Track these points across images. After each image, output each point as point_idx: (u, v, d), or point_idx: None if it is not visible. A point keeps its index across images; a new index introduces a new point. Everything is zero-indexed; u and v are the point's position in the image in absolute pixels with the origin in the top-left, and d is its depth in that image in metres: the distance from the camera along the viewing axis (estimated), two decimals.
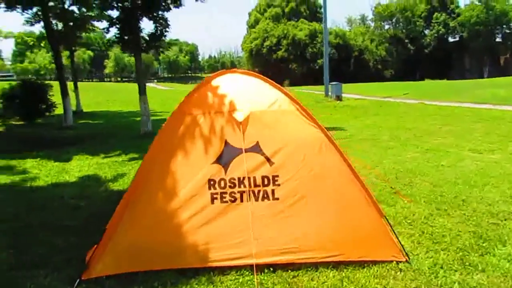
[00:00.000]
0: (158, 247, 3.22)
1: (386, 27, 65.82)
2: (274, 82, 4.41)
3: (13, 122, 13.71)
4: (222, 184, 3.41)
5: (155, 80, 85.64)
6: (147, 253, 3.20)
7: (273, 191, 3.42)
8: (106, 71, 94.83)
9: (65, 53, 18.78)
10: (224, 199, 3.37)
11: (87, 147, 9.51)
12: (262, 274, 3.14)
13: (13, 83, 16.94)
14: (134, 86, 12.21)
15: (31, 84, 14.91)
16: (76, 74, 21.04)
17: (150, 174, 3.43)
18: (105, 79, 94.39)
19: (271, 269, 3.19)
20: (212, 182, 3.40)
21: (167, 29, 10.97)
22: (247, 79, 3.98)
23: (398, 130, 10.51)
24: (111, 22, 10.71)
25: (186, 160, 3.49)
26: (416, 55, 58.72)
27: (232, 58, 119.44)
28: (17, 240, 3.98)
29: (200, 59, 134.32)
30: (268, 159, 3.50)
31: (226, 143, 3.53)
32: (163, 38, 11.02)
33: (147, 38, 10.78)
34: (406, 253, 3.36)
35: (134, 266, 3.15)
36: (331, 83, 20.87)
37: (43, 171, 6.99)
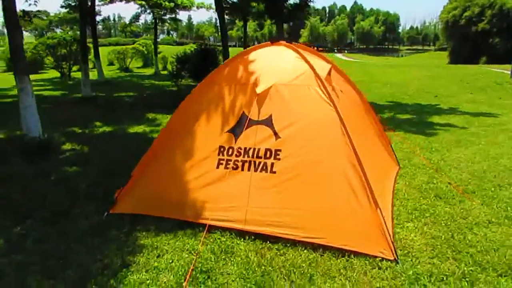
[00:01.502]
0: (168, 199, 3.70)
1: None
2: (316, 52, 4.32)
3: (184, 83, 15.96)
4: (230, 152, 3.64)
5: (345, 51, 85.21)
6: (159, 202, 3.73)
7: (272, 164, 3.48)
8: (301, 40, 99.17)
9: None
10: (228, 166, 3.60)
11: None
12: (241, 239, 3.32)
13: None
14: None
15: (203, 50, 17.05)
16: (246, 41, 22.49)
17: (174, 133, 3.93)
18: None
19: (252, 237, 3.32)
20: (222, 149, 3.68)
21: None
22: (283, 51, 4.03)
23: None
24: None
25: (207, 125, 3.84)
26: None
27: (437, 29, 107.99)
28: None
29: (400, 30, 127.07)
30: (275, 133, 3.55)
31: (243, 113, 3.72)
32: (307, 8, 11.21)
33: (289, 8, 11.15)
34: (395, 252, 2.99)
35: (148, 210, 3.73)
36: None
37: None
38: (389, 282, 2.75)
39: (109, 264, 2.99)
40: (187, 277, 2.79)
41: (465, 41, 42.77)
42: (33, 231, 3.52)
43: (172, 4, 20.37)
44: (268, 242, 3.26)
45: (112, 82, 18.19)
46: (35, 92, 6.27)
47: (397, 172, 4.95)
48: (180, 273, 2.87)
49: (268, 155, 3.51)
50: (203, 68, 15.94)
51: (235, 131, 3.70)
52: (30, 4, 14.46)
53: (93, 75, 15.52)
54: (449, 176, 4.84)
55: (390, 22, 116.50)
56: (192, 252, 3.16)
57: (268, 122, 3.61)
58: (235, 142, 3.66)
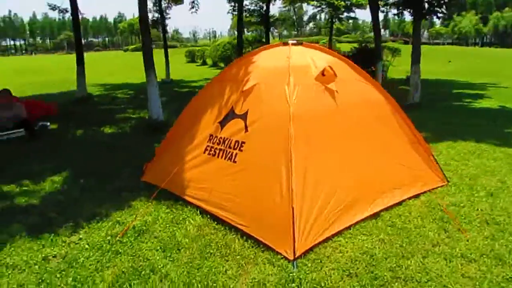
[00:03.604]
0: (172, 175, 4.46)
1: None
2: (327, 51, 4.37)
3: None
4: (215, 140, 4.14)
5: None
6: (166, 177, 4.51)
7: (236, 154, 3.83)
8: None
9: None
10: (210, 152, 4.11)
11: None
12: (200, 215, 3.81)
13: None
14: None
15: (362, 49, 16.84)
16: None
17: (185, 120, 4.65)
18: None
19: (209, 215, 3.77)
20: (210, 137, 4.20)
21: None
22: (284, 51, 4.22)
23: None
24: None
25: (209, 115, 4.39)
26: None
27: None
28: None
29: None
30: (246, 127, 3.88)
31: (232, 108, 4.16)
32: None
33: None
34: (294, 253, 2.98)
35: (159, 182, 4.55)
36: None
37: None
38: (266, 278, 2.83)
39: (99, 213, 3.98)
40: (124, 231, 3.52)
41: None
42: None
43: (343, 3, 20.60)
44: (216, 222, 3.67)
45: None
46: None
47: (435, 188, 4.40)
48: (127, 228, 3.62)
49: (235, 146, 3.87)
50: (364, 66, 15.91)
51: (223, 123, 4.16)
52: (192, 12, 17.37)
53: None
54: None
55: None
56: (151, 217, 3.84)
57: (244, 116, 3.94)
58: (220, 132, 4.13)
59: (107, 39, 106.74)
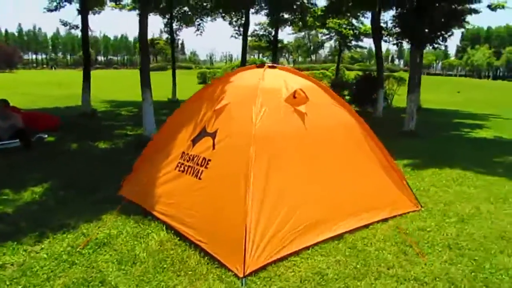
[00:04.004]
0: (144, 191, 4.52)
1: None
2: (300, 74, 4.47)
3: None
4: (186, 157, 4.22)
5: None
6: (139, 191, 4.59)
7: (202, 172, 3.90)
8: None
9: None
10: (180, 169, 4.19)
11: None
12: (165, 230, 3.85)
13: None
14: None
15: (368, 76, 16.93)
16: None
17: (163, 136, 4.75)
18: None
19: (173, 231, 3.82)
20: (182, 154, 4.28)
21: None
22: (258, 73, 4.32)
23: None
24: None
25: (184, 133, 4.48)
26: None
27: None
28: None
29: None
30: (214, 145, 3.96)
31: (204, 126, 4.25)
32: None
33: None
34: (244, 271, 3.00)
35: (133, 196, 4.62)
36: None
37: None
38: None
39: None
40: (85, 242, 3.58)
41: None
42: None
43: (351, 32, 20.93)
44: (179, 237, 3.70)
45: None
46: None
47: (406, 213, 4.38)
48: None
49: (202, 163, 3.95)
50: (367, 93, 15.97)
51: (195, 140, 4.25)
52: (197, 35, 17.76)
53: None
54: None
55: None
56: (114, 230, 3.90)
57: (214, 135, 4.03)
58: (192, 149, 4.21)
59: (125, 57, 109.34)
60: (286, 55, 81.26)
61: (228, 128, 3.92)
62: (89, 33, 12.65)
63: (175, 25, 19.78)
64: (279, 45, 20.81)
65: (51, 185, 5.36)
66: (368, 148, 4.46)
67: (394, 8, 11.41)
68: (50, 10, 12.11)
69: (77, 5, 11.98)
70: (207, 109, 4.36)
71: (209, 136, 4.07)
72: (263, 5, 17.26)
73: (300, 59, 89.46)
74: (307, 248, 3.49)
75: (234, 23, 17.95)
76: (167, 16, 18.75)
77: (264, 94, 3.92)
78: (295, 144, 3.90)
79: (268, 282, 3.00)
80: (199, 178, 3.88)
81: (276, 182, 3.56)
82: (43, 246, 3.57)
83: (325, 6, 16.59)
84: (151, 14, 16.91)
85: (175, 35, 19.55)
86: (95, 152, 7.66)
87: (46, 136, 8.79)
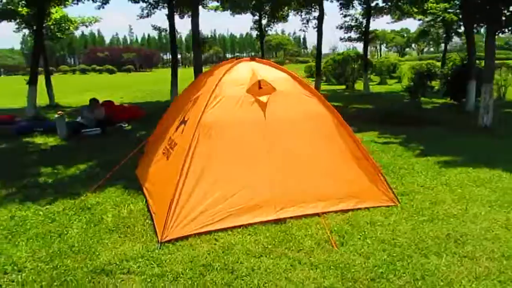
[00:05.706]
0: (144, 170, 5.25)
1: None
2: (274, 65, 4.71)
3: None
4: (169, 142, 4.82)
5: None
6: (142, 172, 5.33)
7: (170, 154, 4.46)
8: None
9: None
10: (163, 152, 4.81)
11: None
12: (142, 202, 4.53)
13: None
14: None
15: (463, 66, 15.18)
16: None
17: (161, 126, 5.42)
18: None
19: (147, 204, 4.47)
20: (169, 138, 4.90)
21: None
22: (231, 65, 4.68)
23: None
24: None
25: (172, 121, 5.10)
26: None
27: None
28: None
29: None
30: (183, 131, 4.48)
31: (186, 114, 4.79)
32: None
33: None
34: (162, 236, 3.49)
35: (139, 176, 5.38)
36: None
37: None
38: (129, 251, 3.40)
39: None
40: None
41: None
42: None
43: (455, 17, 18.85)
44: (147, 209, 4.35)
45: (373, 94, 19.10)
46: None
47: (377, 206, 4.29)
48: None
49: (173, 145, 4.52)
50: (459, 85, 14.37)
51: (178, 127, 4.82)
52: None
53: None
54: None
55: None
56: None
57: (184, 122, 4.56)
58: (174, 135, 4.80)
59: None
60: (413, 45, 75.59)
61: (192, 116, 4.39)
62: (177, 35, 14.18)
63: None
64: (371, 35, 19.82)
65: (95, 163, 6.48)
66: (339, 138, 4.46)
67: None
68: (142, 17, 13.93)
69: (165, 11, 13.55)
70: (190, 99, 4.89)
71: (183, 123, 4.60)
72: None
73: (430, 48, 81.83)
74: (243, 227, 3.77)
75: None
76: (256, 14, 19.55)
77: (225, 84, 4.28)
78: (250, 132, 4.17)
79: (178, 248, 3.43)
80: (167, 159, 4.45)
81: (218, 165, 3.92)
82: (47, 207, 4.55)
83: None
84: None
85: (263, 31, 20.19)
86: None
87: (126, 125, 10.36)
